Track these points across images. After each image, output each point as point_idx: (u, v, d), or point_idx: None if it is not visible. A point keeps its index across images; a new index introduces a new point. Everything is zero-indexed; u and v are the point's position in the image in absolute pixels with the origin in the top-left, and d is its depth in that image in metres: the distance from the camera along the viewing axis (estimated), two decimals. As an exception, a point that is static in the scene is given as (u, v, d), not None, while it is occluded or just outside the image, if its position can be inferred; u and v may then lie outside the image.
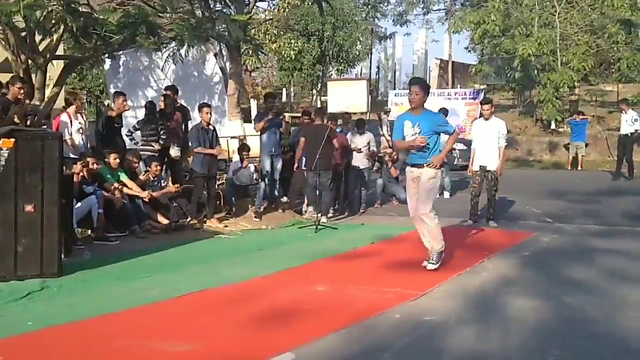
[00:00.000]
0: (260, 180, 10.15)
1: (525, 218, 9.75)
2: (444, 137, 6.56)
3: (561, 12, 20.92)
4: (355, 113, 16.50)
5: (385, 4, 34.77)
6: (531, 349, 4.14)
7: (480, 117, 9.36)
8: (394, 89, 29.29)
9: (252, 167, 10.34)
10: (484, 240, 8.08)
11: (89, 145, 9.33)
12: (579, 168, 18.06)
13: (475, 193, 9.17)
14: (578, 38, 20.87)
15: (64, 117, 8.86)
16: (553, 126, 21.03)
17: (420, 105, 6.25)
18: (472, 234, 8.49)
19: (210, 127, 9.47)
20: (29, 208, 5.84)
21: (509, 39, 20.97)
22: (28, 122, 7.51)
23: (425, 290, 5.51)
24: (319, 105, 26.20)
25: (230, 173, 10.32)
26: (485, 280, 5.96)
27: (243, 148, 10.46)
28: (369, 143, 10.84)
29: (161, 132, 9.80)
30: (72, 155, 8.26)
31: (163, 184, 9.44)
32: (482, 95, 19.71)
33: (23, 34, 9.65)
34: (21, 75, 9.20)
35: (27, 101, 8.63)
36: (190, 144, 9.99)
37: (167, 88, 11.00)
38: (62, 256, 6.21)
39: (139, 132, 9.99)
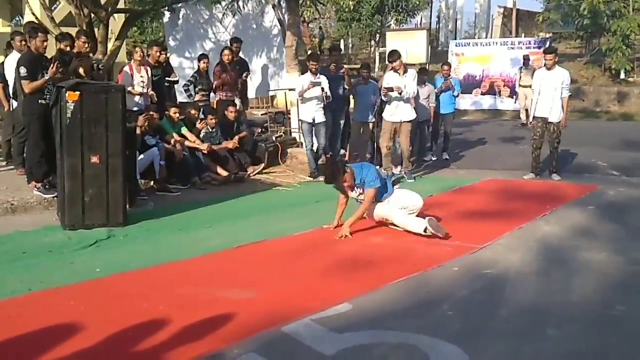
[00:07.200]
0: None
1: (590, 171, 9.45)
2: None
3: (635, -47, 19.67)
4: (414, 64, 16.14)
5: (447, -51, 33.49)
6: (594, 304, 4.07)
7: (543, 66, 9.00)
8: (455, 38, 28.37)
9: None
10: (547, 193, 7.89)
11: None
12: None
13: (536, 145, 8.91)
14: (652, -19, 19.64)
15: (126, 69, 9.02)
16: (622, 76, 20.07)
17: None
18: (534, 187, 8.29)
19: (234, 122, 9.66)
20: (94, 159, 6.03)
21: (577, -17, 19.94)
22: (92, 75, 7.71)
23: (484, 243, 5.46)
24: (377, 57, 25.77)
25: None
26: (547, 234, 5.85)
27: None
28: (429, 96, 10.59)
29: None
30: (135, 109, 8.43)
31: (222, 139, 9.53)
32: (547, 44, 18.90)
33: (86, -13, 9.83)
34: (84, 28, 9.39)
35: (91, 54, 8.84)
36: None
37: (232, 40, 11.03)
38: (127, 206, 6.41)
39: (192, 86, 10.13)
